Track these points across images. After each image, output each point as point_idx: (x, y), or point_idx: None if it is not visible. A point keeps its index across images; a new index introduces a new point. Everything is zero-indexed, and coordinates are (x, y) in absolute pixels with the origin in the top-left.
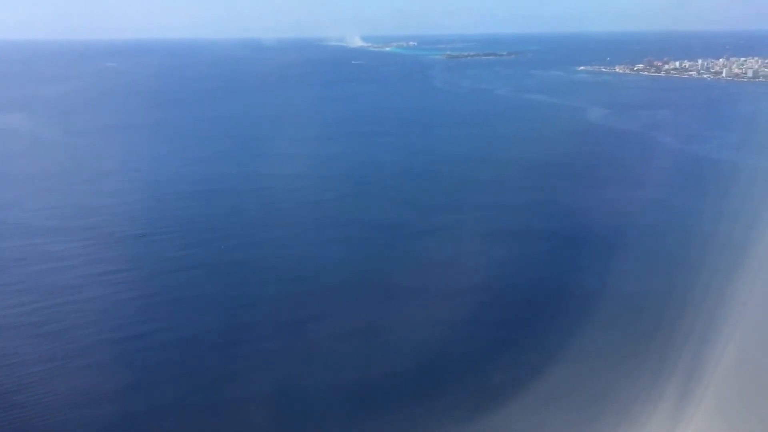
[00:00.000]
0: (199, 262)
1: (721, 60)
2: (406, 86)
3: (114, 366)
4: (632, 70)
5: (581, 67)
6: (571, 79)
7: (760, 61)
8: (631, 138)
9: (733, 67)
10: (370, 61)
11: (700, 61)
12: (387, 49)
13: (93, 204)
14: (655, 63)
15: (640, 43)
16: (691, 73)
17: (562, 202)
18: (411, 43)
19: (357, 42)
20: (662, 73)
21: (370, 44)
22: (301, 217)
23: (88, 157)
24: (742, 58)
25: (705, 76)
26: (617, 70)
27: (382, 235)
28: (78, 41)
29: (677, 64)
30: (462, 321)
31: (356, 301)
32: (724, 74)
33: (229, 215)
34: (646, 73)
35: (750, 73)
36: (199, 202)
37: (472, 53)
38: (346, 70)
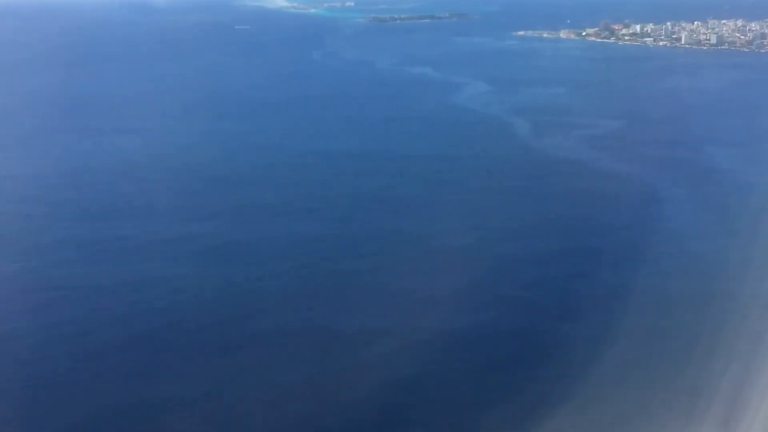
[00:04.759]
0: None
1: (696, 23)
2: (274, 59)
3: None
4: (579, 35)
5: (520, 32)
6: (492, 47)
7: (740, 23)
8: (481, 123)
9: (700, 32)
10: (259, 26)
11: (668, 24)
12: (312, 10)
13: None
14: (612, 27)
15: (632, 4)
16: (646, 39)
17: None
18: (348, 3)
19: (279, 2)
20: (612, 39)
21: (295, 5)
22: None
23: None
24: (723, 21)
25: (662, 43)
26: (561, 35)
27: None
28: None
29: (638, 28)
30: None
31: None
32: (683, 41)
33: None
34: (593, 38)
35: (714, 39)
36: None
37: (404, 16)
38: (225, 37)
